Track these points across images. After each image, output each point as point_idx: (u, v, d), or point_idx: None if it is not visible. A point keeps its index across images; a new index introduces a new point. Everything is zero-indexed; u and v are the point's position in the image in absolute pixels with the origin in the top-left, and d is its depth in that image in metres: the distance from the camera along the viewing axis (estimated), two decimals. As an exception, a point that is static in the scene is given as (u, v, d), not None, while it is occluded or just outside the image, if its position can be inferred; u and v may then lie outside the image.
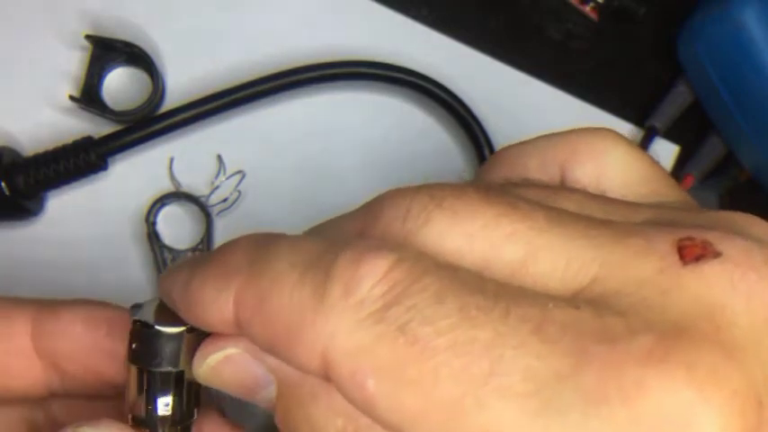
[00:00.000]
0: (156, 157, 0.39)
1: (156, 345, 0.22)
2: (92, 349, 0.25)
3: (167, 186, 0.39)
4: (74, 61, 0.40)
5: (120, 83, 0.40)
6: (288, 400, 0.21)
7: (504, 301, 0.18)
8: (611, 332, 0.17)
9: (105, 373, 0.25)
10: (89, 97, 0.39)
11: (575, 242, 0.19)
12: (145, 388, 0.23)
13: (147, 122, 0.39)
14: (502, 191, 0.21)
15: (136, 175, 0.39)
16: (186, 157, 0.40)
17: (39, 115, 0.39)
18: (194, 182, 0.40)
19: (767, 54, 0.38)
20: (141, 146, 0.39)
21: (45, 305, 0.26)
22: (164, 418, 0.23)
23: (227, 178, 0.40)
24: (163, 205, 0.39)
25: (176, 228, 0.39)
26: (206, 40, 0.41)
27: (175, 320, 0.22)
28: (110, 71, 0.40)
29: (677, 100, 0.42)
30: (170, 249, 0.39)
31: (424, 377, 0.17)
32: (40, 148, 0.38)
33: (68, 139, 0.38)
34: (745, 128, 0.40)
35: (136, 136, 0.38)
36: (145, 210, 0.39)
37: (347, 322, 0.18)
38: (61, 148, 0.38)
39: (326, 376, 0.19)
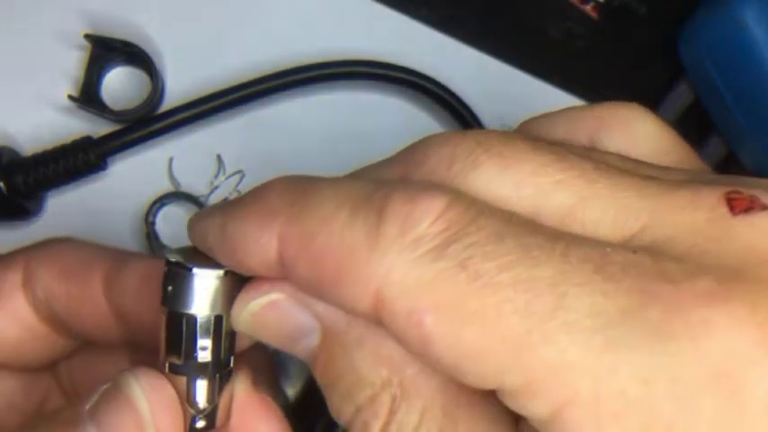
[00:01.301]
0: (155, 157, 0.39)
1: (192, 287, 0.21)
2: (147, 302, 0.25)
3: (167, 186, 0.39)
4: (73, 61, 0.39)
5: (119, 82, 0.40)
6: (332, 348, 0.20)
7: (564, 242, 0.18)
8: (672, 274, 0.17)
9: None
10: (88, 97, 0.39)
11: (623, 192, 0.19)
12: (181, 334, 0.22)
13: (147, 122, 0.38)
14: (548, 142, 0.21)
15: (135, 175, 0.39)
16: (186, 157, 0.40)
17: (38, 115, 0.39)
18: (194, 182, 0.39)
19: (768, 54, 0.38)
20: (141, 146, 0.39)
21: (117, 257, 0.27)
22: (201, 365, 0.22)
23: (227, 178, 0.40)
24: (162, 205, 0.39)
25: (176, 228, 0.39)
26: (206, 39, 0.41)
27: (211, 265, 0.21)
28: (109, 71, 0.40)
29: (678, 99, 0.42)
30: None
31: (486, 313, 0.17)
32: (40, 148, 0.38)
33: (68, 138, 0.38)
34: (745, 127, 0.40)
35: (135, 136, 0.38)
36: (144, 210, 0.39)
37: (404, 260, 0.18)
38: (60, 148, 0.38)
39: (377, 317, 0.18)
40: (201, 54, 0.40)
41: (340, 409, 0.20)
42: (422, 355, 0.18)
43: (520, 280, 0.17)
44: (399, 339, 0.18)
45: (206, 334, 0.22)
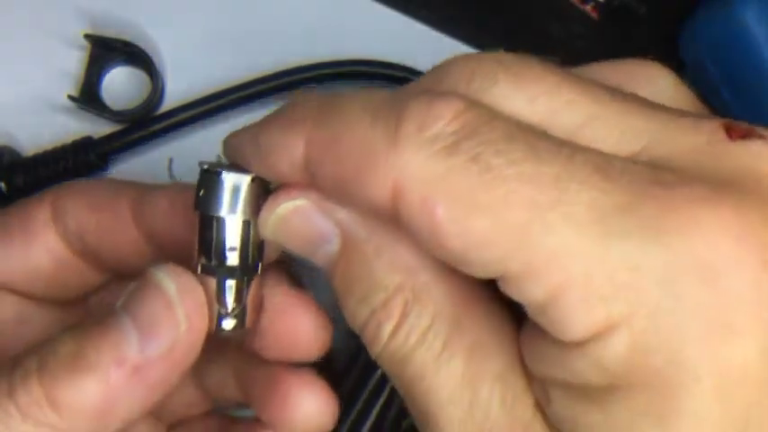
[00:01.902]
0: (155, 158, 0.39)
1: (221, 191, 0.23)
2: (179, 224, 0.27)
3: (167, 186, 0.39)
4: (73, 61, 0.39)
5: (119, 83, 0.40)
6: (350, 254, 0.22)
7: (569, 147, 0.19)
8: (668, 180, 0.19)
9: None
10: (88, 97, 0.39)
11: (629, 115, 0.21)
12: (211, 236, 0.23)
13: (147, 122, 0.39)
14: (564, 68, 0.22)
15: (135, 176, 0.39)
16: (186, 157, 0.40)
17: (38, 115, 0.39)
18: (194, 182, 0.39)
19: (768, 53, 0.38)
20: (141, 146, 0.39)
21: (142, 187, 0.28)
22: (230, 267, 0.23)
23: (227, 178, 0.40)
24: (162, 205, 0.39)
25: (176, 228, 0.39)
26: (206, 39, 0.41)
27: (243, 172, 0.23)
28: (109, 71, 0.40)
29: (678, 99, 0.42)
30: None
31: (494, 202, 0.19)
32: (40, 148, 0.38)
33: (68, 139, 0.38)
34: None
35: (136, 136, 0.38)
36: (144, 210, 0.39)
37: (421, 154, 0.19)
38: (61, 148, 0.38)
39: (394, 210, 0.20)
40: (201, 54, 0.40)
41: (355, 312, 0.22)
42: (433, 244, 0.20)
43: (526, 174, 0.19)
44: (412, 231, 0.20)
45: (234, 237, 0.23)
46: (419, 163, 0.19)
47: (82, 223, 0.28)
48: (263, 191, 0.23)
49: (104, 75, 0.40)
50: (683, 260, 0.18)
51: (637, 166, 0.19)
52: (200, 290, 0.23)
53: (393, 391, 0.34)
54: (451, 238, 0.19)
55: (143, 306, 0.23)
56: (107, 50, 0.39)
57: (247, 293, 0.24)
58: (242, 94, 0.39)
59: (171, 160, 0.39)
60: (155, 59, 0.39)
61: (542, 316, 0.19)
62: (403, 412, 0.34)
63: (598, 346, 0.18)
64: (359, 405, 0.34)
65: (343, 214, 0.22)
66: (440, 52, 0.41)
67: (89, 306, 0.30)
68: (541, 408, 0.20)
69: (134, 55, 0.39)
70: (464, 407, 0.21)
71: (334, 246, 0.22)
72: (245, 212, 0.23)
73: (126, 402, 0.23)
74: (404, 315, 0.21)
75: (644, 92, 0.24)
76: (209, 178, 0.23)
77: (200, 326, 0.23)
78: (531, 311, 0.19)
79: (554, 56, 0.23)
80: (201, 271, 0.24)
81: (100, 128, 0.39)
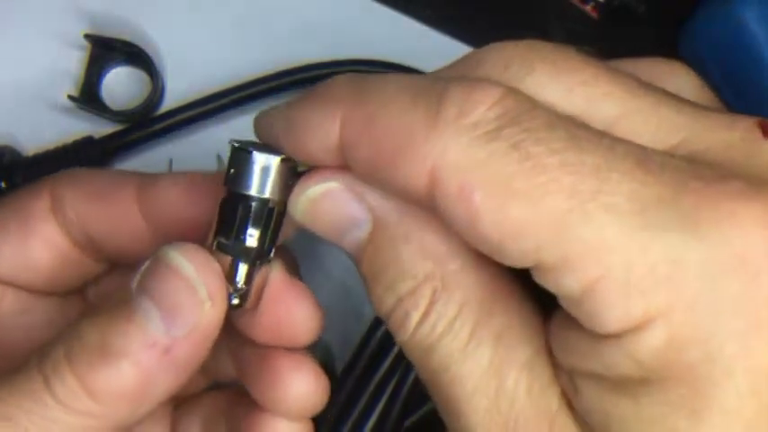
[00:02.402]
0: (155, 158, 0.39)
1: (251, 169, 0.23)
2: (186, 211, 0.27)
3: (167, 186, 0.39)
4: (73, 61, 0.40)
5: (119, 82, 0.40)
6: (380, 240, 0.22)
7: (610, 138, 0.19)
8: (705, 175, 0.19)
9: (202, 236, 0.26)
10: (88, 97, 0.39)
11: (665, 109, 0.21)
12: (236, 214, 0.23)
13: (148, 123, 0.39)
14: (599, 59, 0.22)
15: (136, 176, 0.39)
16: (186, 157, 0.40)
17: (39, 115, 0.39)
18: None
19: (768, 53, 0.38)
20: (141, 146, 0.39)
21: (147, 176, 0.28)
22: (247, 248, 0.23)
23: (227, 178, 0.40)
24: (163, 205, 0.39)
25: (176, 228, 0.39)
26: (206, 39, 0.41)
27: (273, 152, 0.23)
28: (109, 71, 0.40)
29: (678, 99, 0.42)
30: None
31: (533, 191, 0.18)
32: (41, 148, 0.38)
33: (68, 138, 0.38)
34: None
35: (136, 136, 0.38)
36: (145, 210, 0.39)
37: (461, 139, 0.19)
38: (62, 148, 0.38)
39: (430, 196, 0.19)
40: (201, 54, 0.40)
41: (382, 299, 0.22)
42: (469, 231, 0.19)
43: (567, 163, 0.18)
44: (448, 218, 0.19)
45: (258, 218, 0.23)
46: (459, 148, 0.19)
47: (82, 213, 0.28)
48: (292, 172, 0.23)
49: (104, 75, 0.40)
50: (723, 255, 0.18)
51: (675, 160, 0.19)
52: (218, 268, 0.23)
53: (396, 391, 0.34)
54: (488, 225, 0.19)
55: (163, 287, 0.23)
56: (107, 50, 0.39)
57: (256, 275, 0.24)
58: (242, 94, 0.39)
59: (171, 161, 0.39)
60: (155, 59, 0.39)
61: (577, 307, 0.19)
62: (405, 412, 0.34)
63: (634, 340, 0.18)
64: (361, 404, 0.34)
65: (375, 199, 0.22)
66: (440, 52, 0.41)
67: (87, 295, 0.30)
68: (567, 398, 0.20)
69: (134, 55, 0.39)
70: (490, 396, 0.21)
71: (363, 231, 0.22)
72: (273, 192, 0.23)
73: (159, 383, 0.23)
74: (432, 304, 0.21)
75: (670, 84, 0.24)
76: (239, 156, 0.23)
77: (222, 303, 0.23)
78: (565, 302, 0.19)
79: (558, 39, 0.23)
80: (217, 248, 0.24)
81: (100, 128, 0.39)
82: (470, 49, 0.41)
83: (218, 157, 0.39)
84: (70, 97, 0.38)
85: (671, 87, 0.23)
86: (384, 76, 0.21)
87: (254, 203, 0.23)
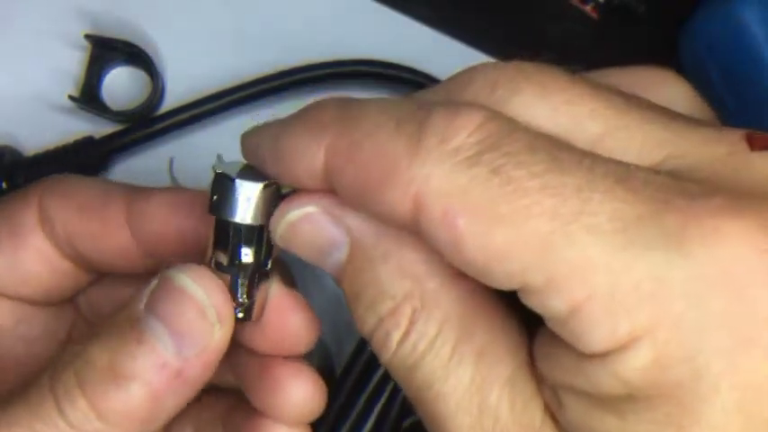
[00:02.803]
0: (155, 158, 0.39)
1: (234, 197, 0.23)
2: (176, 229, 0.27)
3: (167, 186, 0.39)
4: (73, 61, 0.40)
5: (119, 83, 0.40)
6: (359, 260, 0.22)
7: (590, 158, 0.19)
8: (690, 191, 0.19)
9: (190, 253, 0.27)
10: (88, 97, 0.39)
11: (650, 125, 0.21)
12: (228, 239, 0.24)
13: (148, 123, 0.39)
14: (584, 77, 0.22)
15: (136, 176, 0.39)
16: (186, 157, 0.40)
17: (39, 115, 0.39)
18: (194, 182, 0.39)
19: (768, 53, 0.38)
20: (141, 146, 0.39)
21: (136, 190, 0.28)
22: (244, 265, 0.24)
23: (227, 178, 0.40)
24: (163, 205, 0.39)
25: (176, 228, 0.39)
26: (206, 40, 0.41)
27: (256, 178, 0.23)
28: (109, 71, 0.40)
29: (678, 99, 0.42)
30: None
31: (515, 214, 0.19)
32: (41, 148, 0.38)
33: (69, 138, 0.38)
34: (746, 127, 0.40)
35: (136, 136, 0.38)
36: (145, 210, 0.39)
37: (443, 166, 0.19)
38: (62, 148, 0.38)
39: (415, 222, 0.20)
40: (201, 54, 0.40)
41: (363, 319, 0.22)
42: (454, 256, 0.19)
43: (548, 185, 0.19)
44: (433, 242, 0.20)
45: (249, 241, 0.24)
46: (441, 175, 0.19)
47: (70, 227, 0.28)
48: (276, 196, 0.23)
49: (105, 75, 0.40)
50: (708, 271, 0.18)
51: (659, 177, 0.19)
52: (224, 288, 0.24)
53: (393, 392, 0.34)
54: (473, 250, 0.19)
55: (173, 309, 0.23)
56: (107, 50, 0.39)
57: (257, 289, 0.25)
58: (242, 94, 0.39)
59: (171, 160, 0.39)
60: (155, 59, 0.39)
61: (563, 327, 0.19)
62: (403, 413, 0.34)
63: (620, 359, 0.18)
64: (359, 405, 0.34)
65: (352, 221, 0.22)
66: (440, 52, 0.41)
67: (79, 304, 0.31)
68: (551, 412, 0.20)
69: (134, 55, 0.39)
70: (473, 413, 0.21)
71: (343, 253, 0.22)
72: (257, 218, 0.23)
73: (168, 404, 0.23)
74: (412, 323, 0.21)
75: (658, 98, 0.24)
76: (222, 183, 0.23)
77: (231, 323, 0.24)
78: (551, 323, 0.19)
79: (551, 55, 0.23)
80: (216, 268, 0.24)
81: (100, 128, 0.39)
82: (470, 50, 0.41)
83: (219, 157, 0.39)
84: (70, 97, 0.38)
85: (663, 96, 0.23)
86: (368, 102, 0.21)
87: (241, 228, 0.23)
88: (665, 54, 0.43)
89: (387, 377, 0.34)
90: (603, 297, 0.18)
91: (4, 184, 0.37)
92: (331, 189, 0.21)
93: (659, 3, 0.43)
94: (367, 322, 0.22)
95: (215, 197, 0.24)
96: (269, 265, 0.25)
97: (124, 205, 0.28)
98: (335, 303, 0.39)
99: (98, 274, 0.30)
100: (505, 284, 0.19)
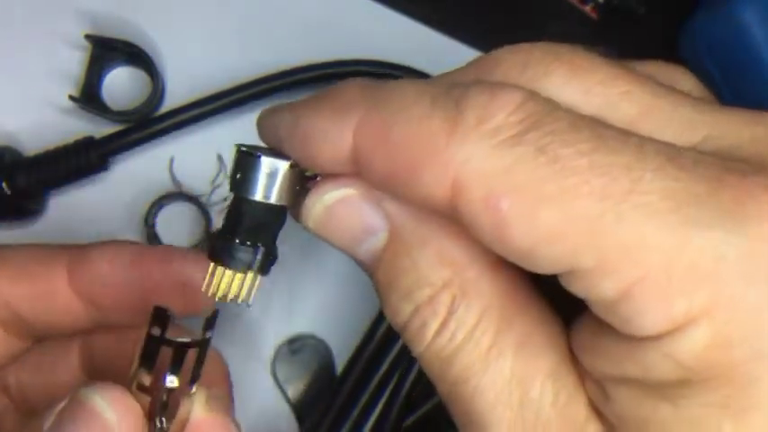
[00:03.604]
0: (156, 158, 0.39)
1: (258, 174, 0.22)
2: (119, 285, 0.27)
3: (168, 186, 0.39)
4: (73, 61, 0.40)
5: (119, 83, 0.40)
6: (396, 248, 0.21)
7: (637, 136, 0.19)
8: (740, 169, 0.18)
9: (135, 306, 0.26)
10: (89, 97, 0.39)
11: (684, 108, 0.20)
12: (255, 219, 0.22)
13: (148, 122, 0.39)
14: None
15: (136, 176, 0.39)
16: (186, 157, 0.40)
17: (39, 115, 0.39)
18: (195, 182, 0.40)
19: (768, 53, 0.38)
20: (142, 146, 0.39)
21: (75, 250, 0.27)
22: (169, 389, 0.23)
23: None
24: (163, 205, 0.39)
25: (176, 228, 0.39)
26: (206, 40, 0.41)
27: (280, 157, 0.22)
28: (109, 71, 0.40)
29: (678, 99, 0.42)
30: (170, 249, 0.39)
31: (563, 195, 0.18)
32: (41, 148, 0.38)
33: (69, 139, 0.38)
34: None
35: (137, 136, 0.38)
36: (145, 210, 0.39)
37: (483, 146, 0.18)
38: (62, 148, 0.38)
39: (453, 207, 0.19)
40: (201, 54, 0.40)
41: (398, 308, 0.21)
42: (497, 241, 0.19)
43: (597, 164, 0.18)
44: (474, 227, 0.19)
45: (178, 362, 0.22)
46: (482, 156, 0.18)
47: (10, 295, 0.27)
48: (301, 178, 0.22)
49: (105, 75, 0.40)
50: (765, 249, 0.17)
51: (707, 156, 0.19)
52: (139, 411, 0.23)
53: (394, 392, 0.34)
54: (518, 233, 0.18)
55: (80, 430, 0.22)
56: (108, 51, 0.39)
57: (178, 411, 0.23)
58: (242, 94, 0.39)
59: (172, 160, 0.39)
60: (155, 59, 0.39)
61: (613, 311, 0.18)
62: (404, 411, 0.34)
63: (675, 341, 0.17)
64: (360, 405, 0.34)
65: (392, 206, 0.21)
66: (440, 52, 0.41)
67: (8, 386, 0.30)
68: (595, 406, 0.20)
69: (134, 55, 0.39)
70: (513, 407, 0.20)
71: (380, 239, 0.21)
72: (281, 198, 0.22)
73: None
74: (450, 312, 0.20)
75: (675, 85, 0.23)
76: (246, 161, 0.22)
77: None
78: (599, 307, 0.18)
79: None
80: (137, 389, 0.23)
81: (100, 128, 0.39)
82: (470, 50, 0.41)
83: (219, 157, 0.40)
84: (71, 97, 0.38)
85: (681, 83, 0.23)
86: (399, 81, 0.20)
87: (178, 349, 0.22)
88: (665, 54, 0.43)
89: (387, 377, 0.34)
90: (659, 277, 0.17)
91: (4, 184, 0.37)
92: (358, 174, 0.20)
93: (659, 3, 0.43)
94: (402, 311, 0.21)
95: (237, 175, 0.22)
96: (194, 388, 0.23)
97: (65, 265, 0.27)
98: (336, 303, 0.39)
99: (32, 341, 0.29)
100: (552, 268, 0.18)
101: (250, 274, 0.22)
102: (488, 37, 0.42)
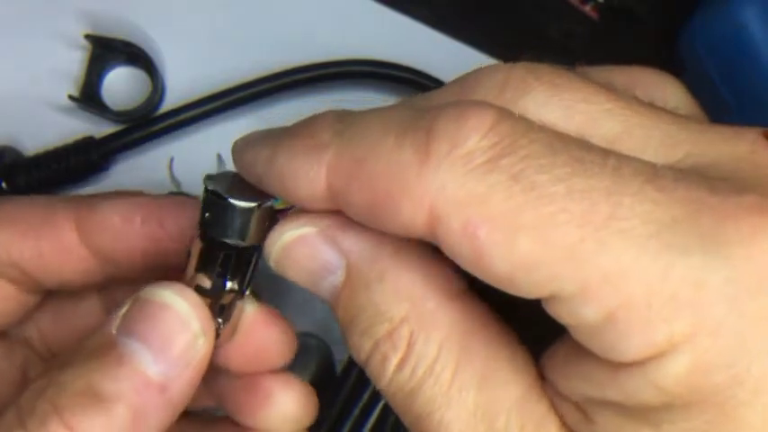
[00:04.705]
0: (156, 158, 0.39)
1: (227, 216, 0.22)
2: (132, 238, 0.26)
3: (167, 186, 0.39)
4: (73, 61, 0.40)
5: (119, 83, 0.40)
6: (355, 283, 0.21)
7: (614, 157, 0.18)
8: (720, 189, 0.18)
9: (150, 258, 0.26)
10: (88, 97, 0.39)
11: (667, 124, 0.20)
12: (215, 259, 0.23)
13: (148, 123, 0.39)
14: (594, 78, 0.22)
15: (136, 176, 0.39)
16: (186, 157, 0.40)
17: (39, 115, 0.39)
18: (194, 182, 0.39)
19: (768, 53, 0.38)
20: (141, 146, 0.39)
21: (83, 202, 0.27)
22: (228, 290, 0.23)
23: (228, 178, 0.40)
24: (163, 205, 0.39)
25: (176, 228, 0.39)
26: (206, 40, 0.41)
27: (249, 195, 0.22)
28: (109, 71, 0.40)
29: (678, 99, 0.42)
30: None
31: (541, 222, 0.17)
32: (41, 148, 0.38)
33: (69, 138, 0.38)
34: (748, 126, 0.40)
35: (137, 136, 0.38)
36: (145, 210, 0.39)
37: (457, 174, 0.18)
38: (62, 149, 0.38)
39: (432, 235, 0.19)
40: (201, 54, 0.40)
41: (359, 345, 0.21)
42: (476, 268, 0.19)
43: (575, 190, 0.18)
44: (454, 255, 0.19)
45: (238, 267, 0.23)
46: (455, 184, 0.18)
47: (18, 253, 0.27)
48: (271, 213, 0.23)
49: (105, 75, 0.40)
50: (746, 273, 0.17)
51: (687, 175, 0.18)
52: (206, 306, 0.23)
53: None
54: (497, 261, 0.18)
55: (153, 327, 0.22)
56: (107, 50, 0.39)
57: (234, 309, 0.24)
58: (242, 94, 0.39)
59: (171, 160, 0.39)
60: (155, 59, 0.39)
61: (594, 337, 0.18)
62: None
63: (657, 367, 0.17)
64: (360, 404, 0.34)
65: (348, 242, 0.21)
66: (440, 52, 0.41)
67: (30, 340, 0.30)
68: (569, 428, 0.20)
69: (134, 55, 0.39)
70: None
71: (338, 276, 0.21)
72: (251, 238, 0.22)
73: (154, 423, 0.22)
74: (409, 346, 0.20)
75: (657, 93, 0.23)
76: (215, 201, 0.22)
77: (212, 338, 0.23)
78: (579, 332, 0.18)
79: (551, 55, 0.23)
80: (197, 291, 0.23)
81: (100, 128, 0.39)
82: (470, 50, 0.41)
83: (219, 157, 0.39)
84: (71, 97, 0.38)
85: (658, 98, 0.23)
86: (368, 112, 0.20)
87: (234, 253, 0.23)
88: (665, 54, 0.43)
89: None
90: (640, 304, 0.17)
91: (4, 184, 0.37)
92: (337, 209, 0.20)
93: (659, 3, 0.43)
94: (363, 347, 0.21)
95: (207, 215, 0.23)
96: (248, 290, 0.24)
97: (72, 219, 0.27)
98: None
99: (44, 294, 0.28)
100: (533, 294, 0.18)
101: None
102: (488, 37, 0.42)
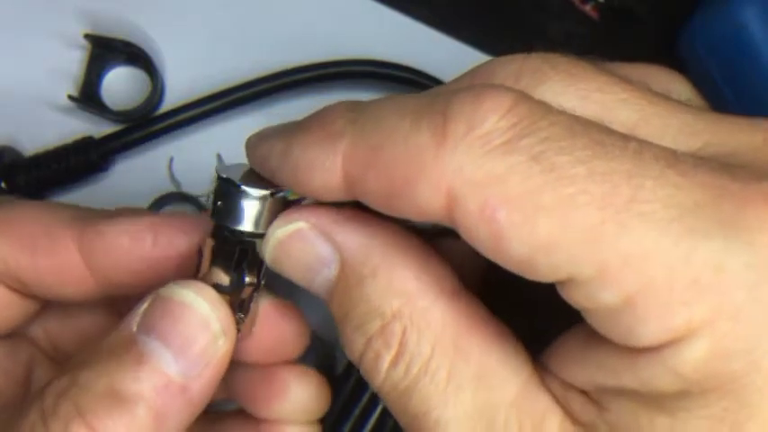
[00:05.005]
0: (156, 158, 0.39)
1: (241, 204, 0.22)
2: (140, 260, 0.26)
3: (167, 186, 0.39)
4: (73, 61, 0.39)
5: (119, 82, 0.40)
6: (348, 279, 0.21)
7: (635, 141, 0.18)
8: (740, 175, 0.18)
9: (156, 279, 0.26)
10: (88, 97, 0.39)
11: (683, 114, 0.20)
12: (232, 253, 0.23)
13: (148, 122, 0.39)
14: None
15: (136, 176, 0.39)
16: (186, 157, 0.40)
17: (39, 115, 0.39)
18: (194, 182, 0.39)
19: (768, 53, 0.38)
20: (141, 146, 0.39)
21: (87, 223, 0.26)
22: (246, 286, 0.23)
23: (227, 178, 0.40)
24: (162, 206, 0.39)
25: (176, 228, 0.39)
26: (206, 40, 0.41)
27: (261, 186, 0.22)
28: (109, 71, 0.40)
29: (678, 99, 0.42)
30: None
31: (561, 204, 0.17)
32: (41, 148, 0.38)
33: (69, 138, 0.38)
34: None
35: (136, 136, 0.38)
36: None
37: (475, 154, 0.18)
38: (62, 148, 0.38)
39: (451, 218, 0.18)
40: (201, 54, 0.40)
41: (352, 341, 0.21)
42: (494, 250, 0.18)
43: (596, 172, 0.17)
44: (471, 239, 0.18)
45: (255, 259, 0.23)
46: (473, 165, 0.18)
47: (16, 263, 0.26)
48: (284, 203, 0.22)
49: (104, 75, 0.40)
50: (766, 259, 0.17)
51: (707, 161, 0.18)
52: (226, 304, 0.23)
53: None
54: (515, 244, 0.18)
55: (173, 326, 0.22)
56: (107, 50, 0.39)
57: (251, 304, 0.24)
58: (242, 94, 0.39)
59: (171, 160, 0.39)
60: (155, 59, 0.39)
61: (611, 321, 0.18)
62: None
63: (675, 352, 0.17)
64: (361, 404, 0.34)
65: (342, 237, 0.21)
66: (440, 52, 0.41)
67: (35, 338, 0.29)
68: (578, 420, 0.20)
69: (134, 55, 0.39)
70: None
71: (332, 271, 0.21)
72: (264, 227, 0.22)
73: (175, 423, 0.22)
74: (402, 344, 0.20)
75: (666, 89, 0.23)
76: (227, 189, 0.22)
77: (234, 336, 0.23)
78: (597, 316, 0.18)
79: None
80: (215, 288, 0.23)
81: (100, 128, 0.39)
82: (470, 50, 0.41)
83: (218, 157, 0.39)
84: (70, 97, 0.38)
85: (670, 90, 0.23)
86: (381, 100, 0.20)
87: (249, 246, 0.23)
88: (665, 54, 0.43)
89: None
90: (661, 288, 0.17)
91: (3, 184, 0.37)
92: (353, 198, 0.20)
93: (659, 3, 0.43)
94: (356, 343, 0.21)
95: (219, 203, 0.22)
96: (262, 282, 0.24)
97: (75, 238, 0.26)
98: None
99: (47, 301, 0.28)
100: (550, 277, 0.18)
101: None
102: (488, 37, 0.42)
